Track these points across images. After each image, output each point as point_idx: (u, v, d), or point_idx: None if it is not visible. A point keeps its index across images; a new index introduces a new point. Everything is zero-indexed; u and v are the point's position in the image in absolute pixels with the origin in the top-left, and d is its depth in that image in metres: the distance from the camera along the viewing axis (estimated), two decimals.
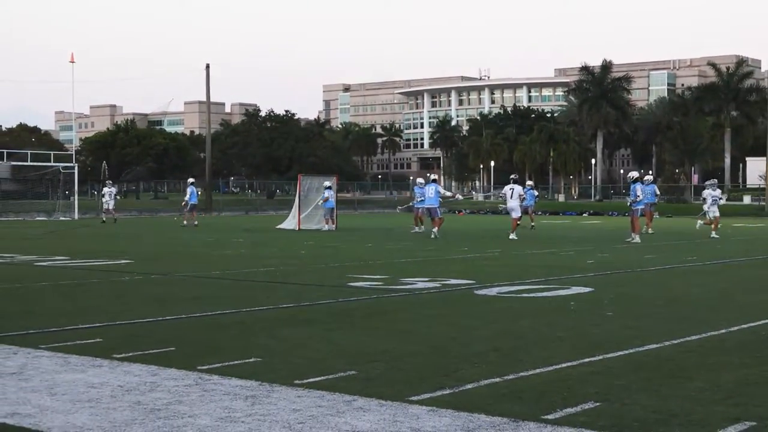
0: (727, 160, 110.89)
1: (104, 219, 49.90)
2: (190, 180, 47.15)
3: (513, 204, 32.78)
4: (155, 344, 9.45)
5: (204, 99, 79.80)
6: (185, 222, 44.67)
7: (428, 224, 34.68)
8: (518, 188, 33.34)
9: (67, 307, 12.85)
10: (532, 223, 39.81)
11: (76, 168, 62.82)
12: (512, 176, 35.44)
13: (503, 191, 35.02)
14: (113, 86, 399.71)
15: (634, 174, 31.95)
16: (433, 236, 31.67)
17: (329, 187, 39.94)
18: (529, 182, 43.86)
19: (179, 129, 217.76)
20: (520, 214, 33.11)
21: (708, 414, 6.59)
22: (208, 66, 76.73)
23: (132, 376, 7.87)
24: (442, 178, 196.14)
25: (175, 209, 72.77)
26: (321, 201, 40.00)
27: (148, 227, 44.34)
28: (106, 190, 51.08)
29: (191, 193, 45.06)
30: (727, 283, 16.81)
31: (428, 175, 36.69)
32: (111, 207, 50.22)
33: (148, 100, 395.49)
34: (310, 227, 39.97)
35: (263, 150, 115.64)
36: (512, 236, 31.63)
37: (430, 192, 33.48)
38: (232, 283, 16.54)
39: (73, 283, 16.28)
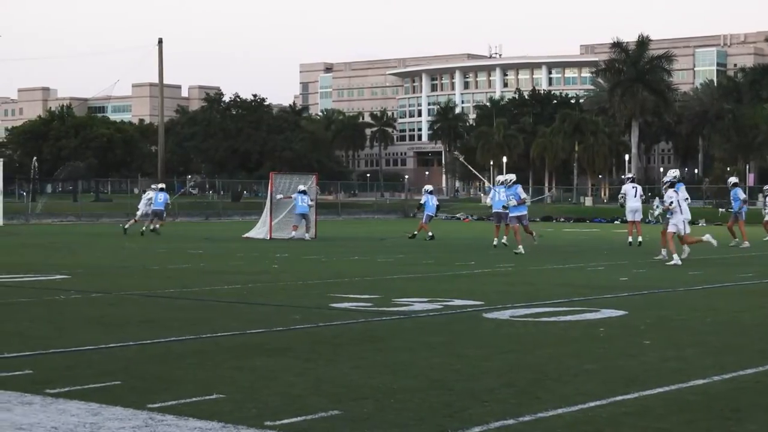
0: None
1: (154, 227, 45.27)
2: (161, 185, 46.60)
3: (635, 205, 34.30)
4: (97, 377, 9.43)
5: (156, 80, 79.84)
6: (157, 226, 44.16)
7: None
8: (640, 188, 35.04)
9: None
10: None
11: (1, 163, 62.80)
12: (630, 175, 37.41)
13: (623, 190, 35.55)
14: (46, 65, 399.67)
15: (734, 179, 33.95)
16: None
17: (303, 192, 40.33)
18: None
19: (126, 117, 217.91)
20: (641, 217, 35.01)
21: None
22: (160, 41, 76.80)
23: (69, 415, 7.84)
24: (443, 177, 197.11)
25: (121, 213, 72.67)
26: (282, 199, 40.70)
27: (88, 236, 44.29)
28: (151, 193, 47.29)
29: (164, 198, 45.29)
30: None
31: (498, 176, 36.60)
32: (142, 213, 46.56)
33: (88, 81, 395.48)
34: (284, 236, 40.00)
35: (228, 143, 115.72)
36: (639, 239, 34.09)
37: (501, 195, 33.65)
38: (189, 304, 16.53)
39: None
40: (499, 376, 9.70)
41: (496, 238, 34.00)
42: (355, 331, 13.26)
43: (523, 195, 32.31)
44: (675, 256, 26.29)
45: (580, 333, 12.89)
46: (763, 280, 21.70)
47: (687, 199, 28.94)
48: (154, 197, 44.74)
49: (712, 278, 21.99)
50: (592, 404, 8.37)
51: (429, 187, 42.87)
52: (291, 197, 40.16)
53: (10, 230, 50.22)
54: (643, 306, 16.26)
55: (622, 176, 36.85)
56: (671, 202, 26.78)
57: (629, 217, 34.79)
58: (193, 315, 14.85)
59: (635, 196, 34.40)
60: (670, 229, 26.93)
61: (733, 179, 37.69)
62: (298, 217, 39.90)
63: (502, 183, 34.15)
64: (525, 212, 32.59)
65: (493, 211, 34.49)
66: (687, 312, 15.46)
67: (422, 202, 42.05)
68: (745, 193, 37.37)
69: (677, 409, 8.26)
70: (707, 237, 28.21)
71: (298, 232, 39.63)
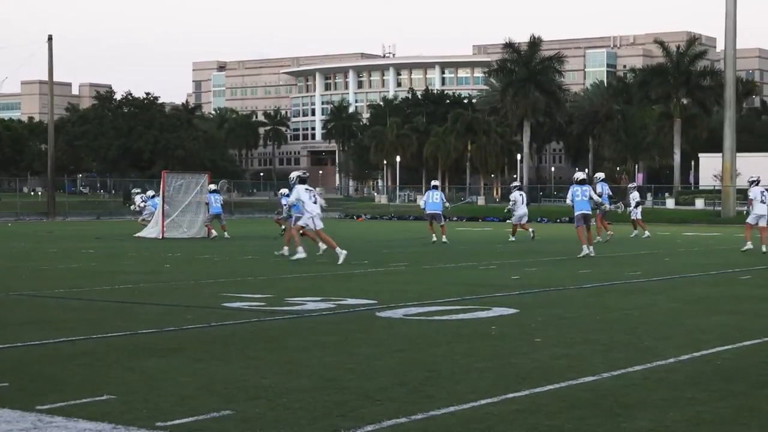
0: (677, 157, 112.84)
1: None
2: (213, 187, 44.68)
3: (524, 210, 39.21)
4: None
5: (46, 78, 78.77)
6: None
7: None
8: (524, 195, 39.58)
9: None
10: (646, 233, 42.74)
11: None
12: (516, 184, 42.70)
13: (512, 197, 39.92)
14: None
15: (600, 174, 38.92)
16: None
17: (216, 191, 41.21)
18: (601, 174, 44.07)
19: (15, 114, 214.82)
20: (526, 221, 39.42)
21: None
22: (50, 38, 75.79)
23: None
24: (337, 176, 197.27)
25: (10, 212, 71.58)
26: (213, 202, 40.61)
27: None
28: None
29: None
30: (676, 303, 17.07)
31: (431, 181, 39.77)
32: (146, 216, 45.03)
33: None
34: (177, 235, 39.78)
35: (119, 141, 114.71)
36: (512, 239, 38.39)
37: (435, 197, 38.03)
38: (79, 304, 16.35)
39: None
40: (392, 374, 9.73)
41: (434, 235, 37.43)
42: (247, 330, 13.21)
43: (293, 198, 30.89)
44: (300, 249, 27.32)
45: (472, 331, 12.96)
46: (651, 279, 22.02)
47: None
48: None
49: (602, 276, 22.27)
50: (483, 402, 8.43)
51: (212, 186, 41.81)
52: (206, 201, 40.50)
53: None
54: (534, 304, 16.40)
55: (514, 176, 40.30)
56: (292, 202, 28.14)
57: (524, 221, 39.21)
58: (83, 315, 14.69)
59: (523, 202, 39.09)
60: (300, 223, 27.68)
61: (599, 174, 40.94)
62: (212, 216, 40.23)
63: (434, 186, 39.07)
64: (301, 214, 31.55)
65: (427, 212, 38.15)
66: (577, 310, 15.63)
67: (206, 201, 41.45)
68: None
69: (568, 405, 8.35)
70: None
71: (201, 231, 40.25)
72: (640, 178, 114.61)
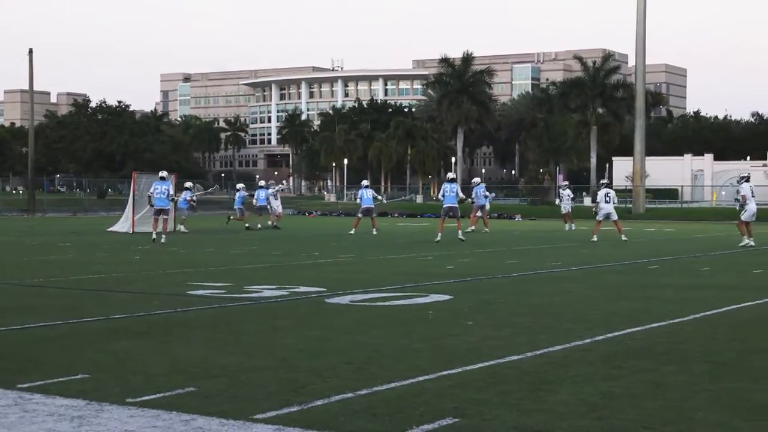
0: (593, 160, 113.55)
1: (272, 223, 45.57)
2: (262, 182, 47.80)
3: (610, 208, 35.07)
4: None
5: (26, 87, 78.05)
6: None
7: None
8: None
9: None
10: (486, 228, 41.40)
11: None
12: (603, 181, 39.48)
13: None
14: None
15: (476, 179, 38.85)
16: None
17: (189, 188, 43.12)
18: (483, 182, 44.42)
19: None
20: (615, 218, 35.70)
21: (571, 429, 6.74)
22: (31, 51, 75.10)
23: None
24: (291, 177, 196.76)
25: None
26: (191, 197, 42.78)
27: None
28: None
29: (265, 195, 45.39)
30: (591, 290, 17.17)
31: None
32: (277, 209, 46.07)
33: None
34: (146, 230, 39.51)
35: (94, 145, 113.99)
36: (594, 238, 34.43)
37: (367, 194, 38.64)
38: (57, 292, 16.20)
39: None
40: (340, 354, 9.73)
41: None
42: (209, 315, 13.17)
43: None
44: None
45: (410, 316, 12.98)
46: (571, 268, 22.13)
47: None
48: (255, 194, 45.41)
49: (527, 266, 22.34)
50: (421, 379, 8.44)
51: (189, 184, 43.18)
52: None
53: None
54: (466, 291, 16.43)
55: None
56: None
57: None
58: (60, 302, 14.56)
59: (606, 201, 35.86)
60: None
61: (476, 179, 43.27)
62: (183, 210, 41.82)
63: (366, 186, 39.27)
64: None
65: (364, 206, 38.55)
66: (505, 296, 15.69)
67: None
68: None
69: (495, 381, 8.38)
70: None
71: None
72: (560, 178, 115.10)
